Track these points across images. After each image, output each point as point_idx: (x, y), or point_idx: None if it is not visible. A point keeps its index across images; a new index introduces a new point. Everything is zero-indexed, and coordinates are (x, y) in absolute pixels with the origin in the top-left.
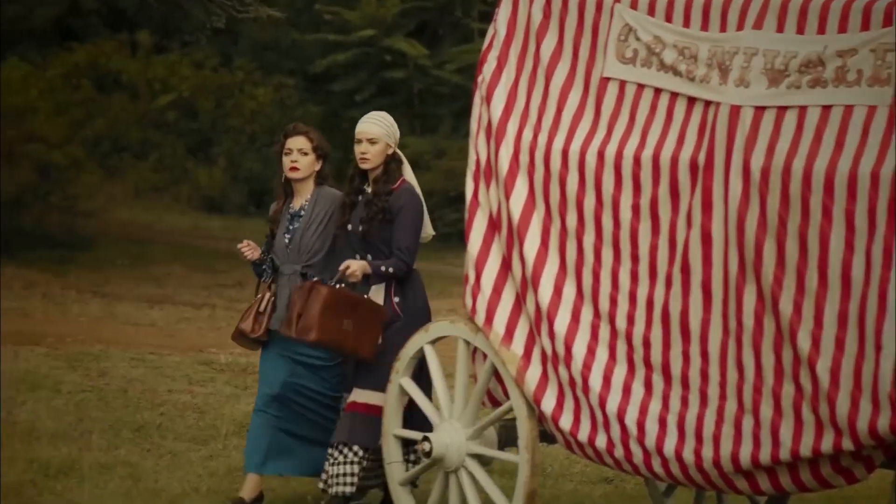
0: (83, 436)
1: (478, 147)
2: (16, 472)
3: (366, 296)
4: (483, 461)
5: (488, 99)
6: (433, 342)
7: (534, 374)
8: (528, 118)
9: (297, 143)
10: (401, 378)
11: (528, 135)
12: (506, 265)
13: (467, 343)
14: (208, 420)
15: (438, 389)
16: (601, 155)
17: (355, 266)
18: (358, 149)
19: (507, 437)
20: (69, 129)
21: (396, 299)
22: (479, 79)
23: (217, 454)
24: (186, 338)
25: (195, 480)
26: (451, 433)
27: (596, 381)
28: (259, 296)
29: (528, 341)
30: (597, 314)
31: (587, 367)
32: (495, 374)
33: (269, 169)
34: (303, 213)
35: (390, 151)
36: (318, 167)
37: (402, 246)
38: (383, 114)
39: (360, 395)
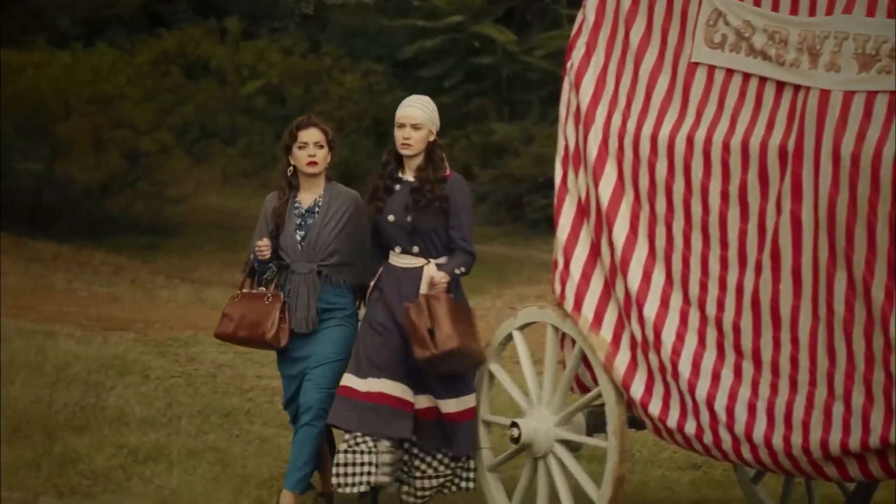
0: (172, 421)
1: (566, 133)
2: (105, 458)
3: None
4: (571, 447)
5: (577, 85)
6: (522, 328)
7: (623, 359)
8: (617, 104)
9: (313, 135)
10: (490, 364)
11: (616, 120)
12: (595, 251)
13: (556, 329)
14: None
15: (527, 375)
16: (690, 141)
17: (440, 276)
18: (400, 133)
19: (596, 423)
20: (158, 115)
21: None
22: (568, 64)
23: None
24: None
25: (283, 466)
26: (540, 419)
27: (685, 367)
28: (267, 297)
29: (618, 327)
30: (686, 300)
31: (676, 352)
32: (584, 359)
33: (357, 154)
34: (317, 210)
35: (431, 138)
36: (329, 159)
37: (467, 237)
38: (426, 98)
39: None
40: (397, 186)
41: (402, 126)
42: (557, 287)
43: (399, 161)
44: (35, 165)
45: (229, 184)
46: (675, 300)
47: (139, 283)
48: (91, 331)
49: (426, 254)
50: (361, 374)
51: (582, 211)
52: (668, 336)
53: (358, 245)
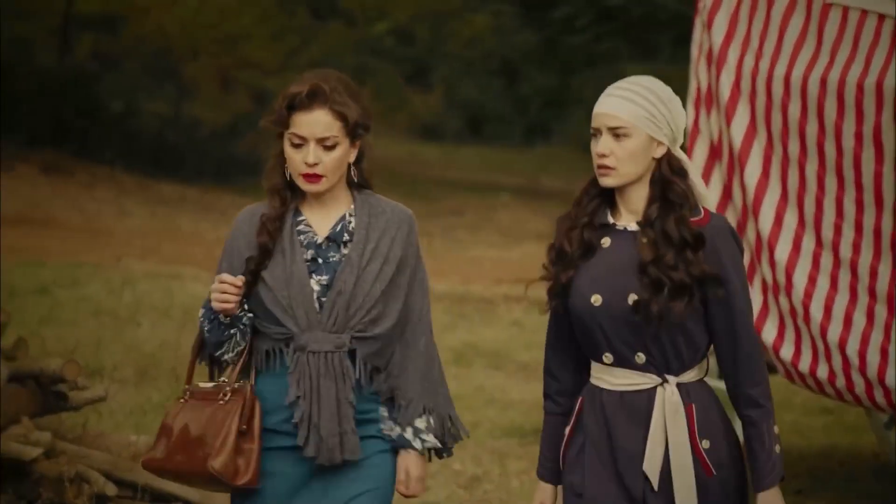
0: None
1: (698, 74)
2: None
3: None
4: None
5: (709, 25)
6: None
7: (754, 303)
8: (750, 44)
9: (319, 123)
10: None
11: (749, 61)
12: (727, 193)
13: None
14: None
15: None
16: (823, 82)
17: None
18: (595, 148)
19: None
20: (284, 55)
21: (705, 445)
22: (701, 5)
23: None
24: None
25: None
26: None
27: (817, 311)
28: (225, 393)
29: (749, 270)
30: (819, 243)
31: (808, 296)
32: None
33: (486, 95)
34: (347, 238)
35: (659, 153)
36: (352, 158)
37: (760, 368)
38: (646, 81)
39: None
40: (606, 241)
41: (596, 134)
42: None
43: (607, 193)
44: (161, 106)
45: None
46: (808, 243)
47: None
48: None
49: (661, 367)
50: None
51: (714, 153)
52: (800, 279)
53: (406, 309)
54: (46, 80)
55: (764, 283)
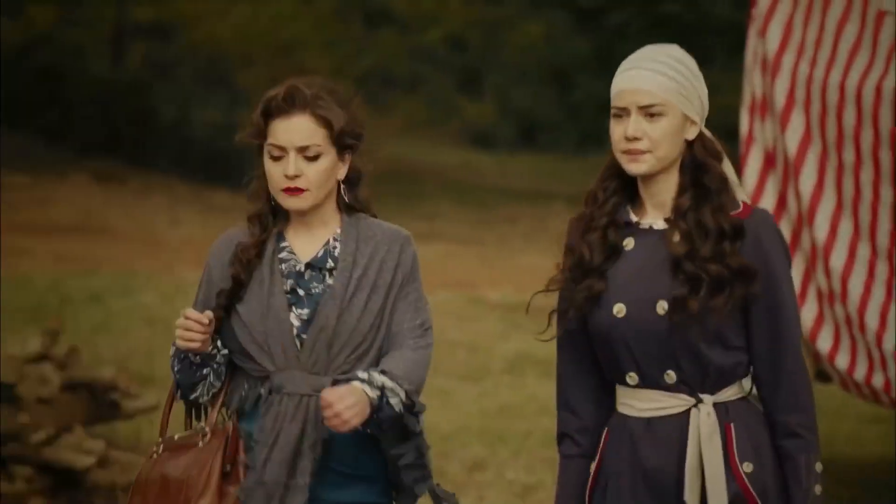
0: None
1: (753, 81)
2: None
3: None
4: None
5: (764, 32)
6: None
7: (809, 312)
8: (805, 52)
9: (296, 131)
10: None
11: (804, 69)
12: (781, 201)
13: None
14: (480, 358)
15: None
16: (878, 90)
17: None
18: (618, 129)
19: None
20: (338, 63)
21: (746, 468)
22: (755, 12)
23: (488, 392)
24: (456, 274)
25: (465, 419)
26: None
27: (872, 320)
28: (204, 434)
29: (804, 279)
30: (874, 251)
31: (864, 304)
32: None
33: (540, 104)
34: (331, 265)
35: (691, 134)
36: (341, 173)
37: (807, 388)
38: (672, 51)
39: None
40: (628, 242)
41: (620, 114)
42: None
43: (627, 187)
44: (213, 115)
45: (410, 133)
46: (863, 251)
47: None
48: None
49: (696, 385)
50: None
51: (768, 161)
52: (855, 288)
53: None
54: (99, 88)
55: (819, 291)
